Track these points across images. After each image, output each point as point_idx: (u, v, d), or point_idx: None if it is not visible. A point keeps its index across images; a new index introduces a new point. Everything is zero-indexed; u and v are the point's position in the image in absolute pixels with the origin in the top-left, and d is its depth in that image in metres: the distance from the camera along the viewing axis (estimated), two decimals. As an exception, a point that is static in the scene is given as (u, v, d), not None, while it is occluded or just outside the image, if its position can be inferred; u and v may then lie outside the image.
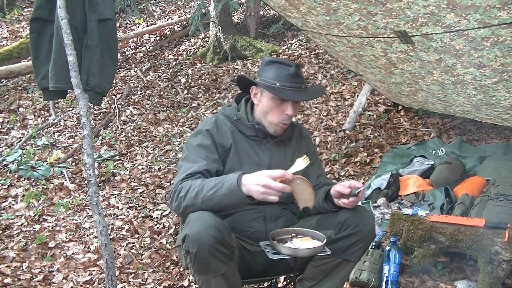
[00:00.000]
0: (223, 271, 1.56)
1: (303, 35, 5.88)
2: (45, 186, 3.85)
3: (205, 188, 1.57)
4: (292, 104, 1.76)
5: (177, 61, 6.27)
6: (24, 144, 4.52)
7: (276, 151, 1.86)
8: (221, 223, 1.54)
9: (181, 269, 2.84)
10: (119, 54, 6.14)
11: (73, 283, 2.71)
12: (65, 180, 3.93)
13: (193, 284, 2.68)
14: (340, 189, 1.70)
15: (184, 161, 1.76)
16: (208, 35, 6.61)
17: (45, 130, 4.86)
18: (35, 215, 3.43)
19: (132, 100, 5.37)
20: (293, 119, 1.92)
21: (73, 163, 4.22)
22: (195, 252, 1.51)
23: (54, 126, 4.96)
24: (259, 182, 1.49)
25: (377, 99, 4.57)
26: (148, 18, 7.70)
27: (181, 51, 6.56)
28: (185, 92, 5.44)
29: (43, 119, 5.11)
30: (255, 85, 1.84)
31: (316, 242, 1.65)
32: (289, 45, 6.03)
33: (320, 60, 5.52)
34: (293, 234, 1.72)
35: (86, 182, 2.90)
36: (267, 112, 1.79)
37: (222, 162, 1.79)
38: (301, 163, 1.63)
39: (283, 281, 2.27)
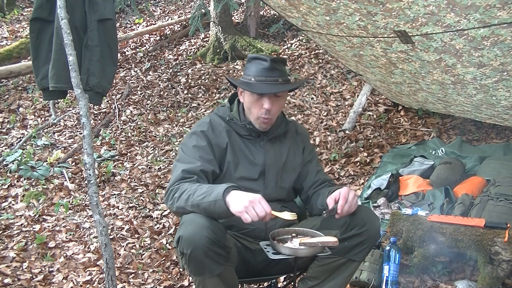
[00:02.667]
0: (219, 272, 1.57)
1: (303, 35, 5.88)
2: (45, 186, 3.85)
3: (196, 193, 1.59)
4: (269, 98, 1.76)
5: (177, 61, 6.26)
6: (24, 144, 4.52)
7: (270, 148, 1.87)
8: (215, 224, 1.55)
9: (181, 269, 2.85)
10: (119, 54, 6.14)
11: (73, 283, 2.72)
12: (65, 180, 3.93)
13: (193, 284, 2.68)
14: (329, 201, 1.68)
15: (180, 161, 1.77)
16: (208, 35, 6.61)
17: (45, 130, 4.86)
18: (35, 215, 3.43)
19: (132, 100, 5.37)
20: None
21: (73, 163, 4.22)
22: (189, 254, 1.51)
23: (54, 126, 4.96)
24: (250, 198, 1.51)
25: (377, 99, 4.57)
26: (148, 18, 7.69)
27: (181, 51, 6.56)
28: (185, 92, 5.44)
29: (43, 119, 5.11)
30: None
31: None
32: (289, 45, 6.03)
33: (320, 60, 5.52)
34: (293, 234, 1.72)
35: (86, 182, 2.90)
36: (249, 108, 1.82)
37: (219, 162, 1.80)
38: (288, 215, 1.65)
39: (283, 281, 2.27)
